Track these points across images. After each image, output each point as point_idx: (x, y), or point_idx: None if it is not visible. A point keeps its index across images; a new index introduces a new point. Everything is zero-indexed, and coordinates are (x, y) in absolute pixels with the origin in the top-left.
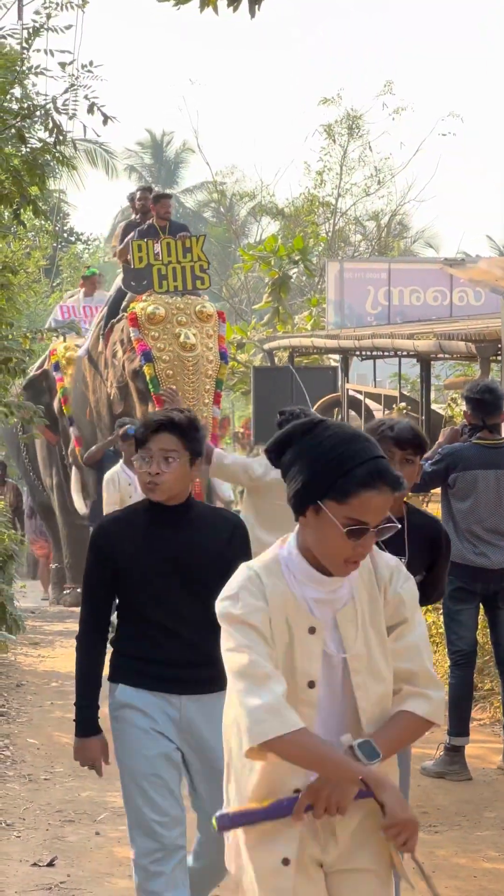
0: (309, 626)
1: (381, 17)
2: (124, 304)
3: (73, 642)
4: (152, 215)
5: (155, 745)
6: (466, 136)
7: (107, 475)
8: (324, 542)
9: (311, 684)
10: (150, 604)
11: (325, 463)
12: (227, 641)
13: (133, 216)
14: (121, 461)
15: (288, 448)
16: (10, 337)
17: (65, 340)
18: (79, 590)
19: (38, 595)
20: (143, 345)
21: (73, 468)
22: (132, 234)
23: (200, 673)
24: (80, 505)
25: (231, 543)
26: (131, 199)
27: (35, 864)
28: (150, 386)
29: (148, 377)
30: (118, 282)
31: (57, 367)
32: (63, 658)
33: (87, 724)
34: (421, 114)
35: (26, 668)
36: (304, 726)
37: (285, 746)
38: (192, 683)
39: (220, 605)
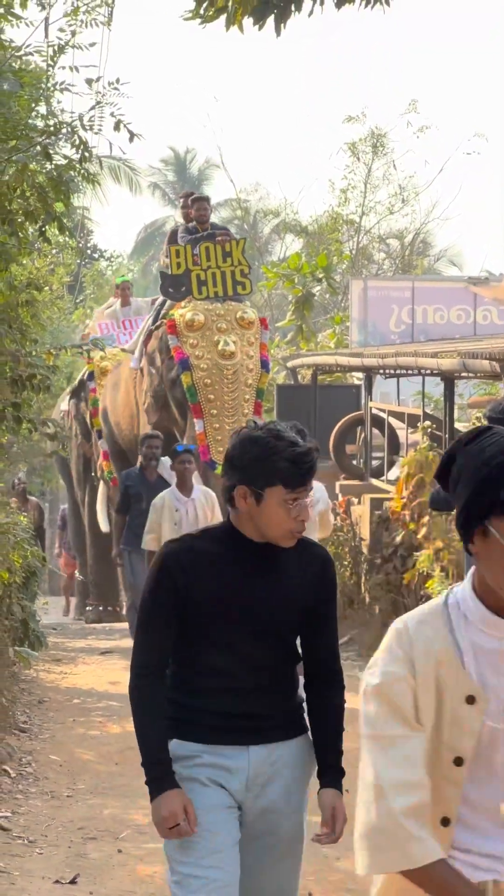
0: (467, 695)
1: (406, 36)
2: (164, 311)
3: (95, 659)
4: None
5: (215, 795)
6: (491, 155)
7: (156, 499)
8: (494, 572)
9: (459, 761)
10: (215, 649)
11: (487, 474)
12: (363, 721)
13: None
14: (173, 485)
15: (453, 465)
16: (34, 353)
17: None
18: (101, 607)
19: (59, 611)
20: (180, 352)
21: (101, 483)
22: (184, 237)
23: (267, 723)
24: (104, 522)
25: (318, 584)
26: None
27: (57, 882)
28: (188, 395)
29: (185, 386)
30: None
31: (91, 376)
32: (85, 675)
33: (162, 780)
34: (445, 132)
35: (48, 684)
36: (436, 859)
37: (410, 876)
38: (258, 733)
39: (365, 673)
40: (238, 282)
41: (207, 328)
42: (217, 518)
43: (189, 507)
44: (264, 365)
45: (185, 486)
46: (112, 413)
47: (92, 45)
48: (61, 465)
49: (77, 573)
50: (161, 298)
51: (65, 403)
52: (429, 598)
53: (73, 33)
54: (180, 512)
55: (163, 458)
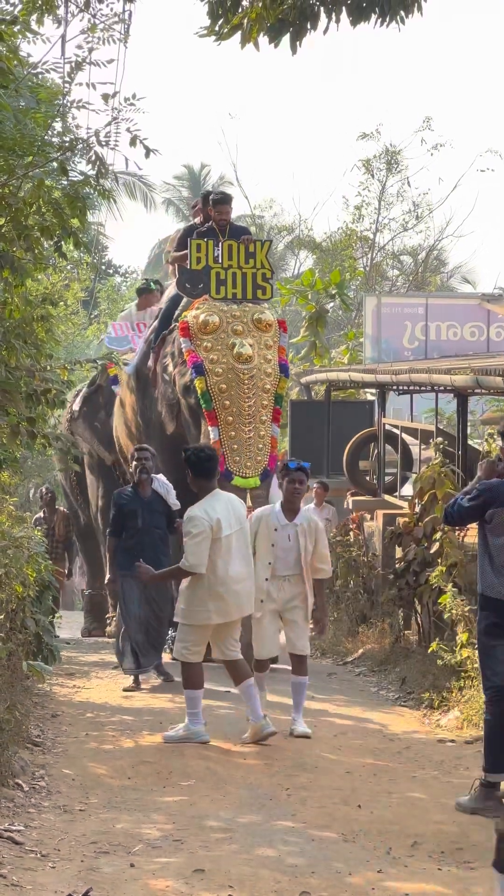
0: None
1: (420, 54)
2: (177, 313)
3: (108, 673)
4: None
5: None
6: None
7: (256, 512)
8: None
9: None
10: None
11: None
12: None
13: (195, 220)
14: (279, 501)
15: None
16: (49, 368)
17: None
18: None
19: (72, 625)
20: (194, 356)
21: None
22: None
23: None
24: None
25: None
26: (195, 205)
27: None
28: (202, 402)
29: (199, 392)
30: (170, 291)
31: (115, 380)
32: (98, 689)
33: None
34: (459, 150)
35: (62, 698)
36: None
37: None
38: None
39: None
40: (259, 285)
41: (223, 330)
42: (320, 551)
43: (290, 533)
44: (283, 369)
45: (291, 508)
46: (118, 427)
47: (109, 61)
48: (67, 483)
49: (85, 588)
50: (168, 302)
51: (77, 404)
52: (441, 614)
53: (90, 50)
54: (279, 534)
55: (157, 476)
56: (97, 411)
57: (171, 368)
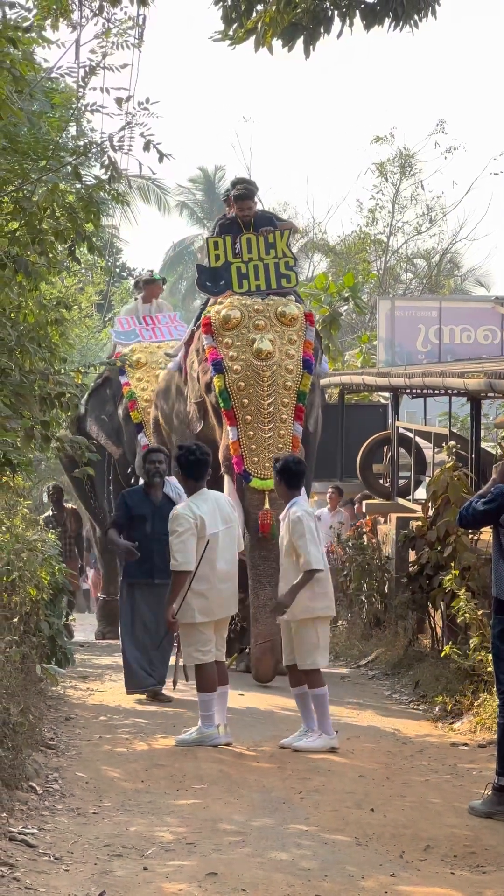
0: None
1: (433, 57)
2: (205, 308)
3: (122, 676)
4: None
5: None
6: None
7: (303, 515)
8: None
9: None
10: None
11: None
12: None
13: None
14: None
15: None
16: (63, 372)
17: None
18: None
19: (85, 628)
20: (214, 353)
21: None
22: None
23: None
24: None
25: None
26: (226, 199)
27: None
28: (221, 400)
29: (217, 390)
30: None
31: (123, 371)
32: (111, 692)
33: None
34: (473, 153)
35: (75, 701)
36: None
37: None
38: None
39: None
40: (283, 274)
41: (244, 326)
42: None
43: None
44: (307, 365)
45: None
46: (165, 422)
47: (123, 66)
48: (76, 484)
49: (100, 593)
50: (205, 298)
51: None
52: (454, 617)
53: (105, 55)
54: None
55: (169, 478)
56: (104, 404)
57: (196, 365)
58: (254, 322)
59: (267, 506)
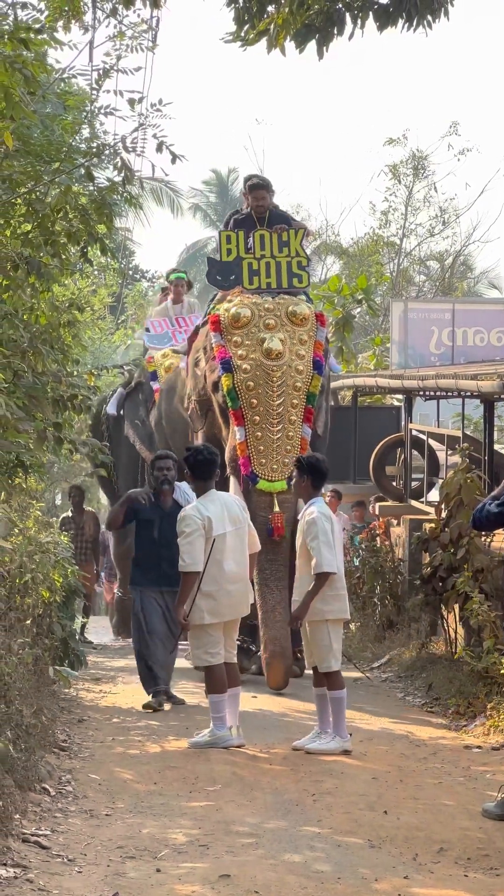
0: None
1: (446, 58)
2: (213, 305)
3: (135, 678)
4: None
5: None
6: None
7: (318, 516)
8: None
9: None
10: None
11: None
12: None
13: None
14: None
15: None
16: (75, 374)
17: (148, 370)
18: None
19: (97, 630)
20: (222, 351)
21: None
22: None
23: None
24: None
25: None
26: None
27: None
28: (229, 400)
29: (225, 389)
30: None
31: (155, 376)
32: (124, 694)
33: None
34: (486, 154)
35: (88, 703)
36: None
37: None
38: None
39: None
40: (295, 274)
41: (254, 324)
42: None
43: None
44: (317, 366)
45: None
46: (168, 422)
47: (137, 69)
48: (104, 483)
49: (117, 590)
50: (213, 294)
51: (112, 407)
52: (468, 620)
53: (119, 58)
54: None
55: (179, 484)
56: (137, 409)
57: (202, 364)
58: (264, 321)
59: (277, 508)
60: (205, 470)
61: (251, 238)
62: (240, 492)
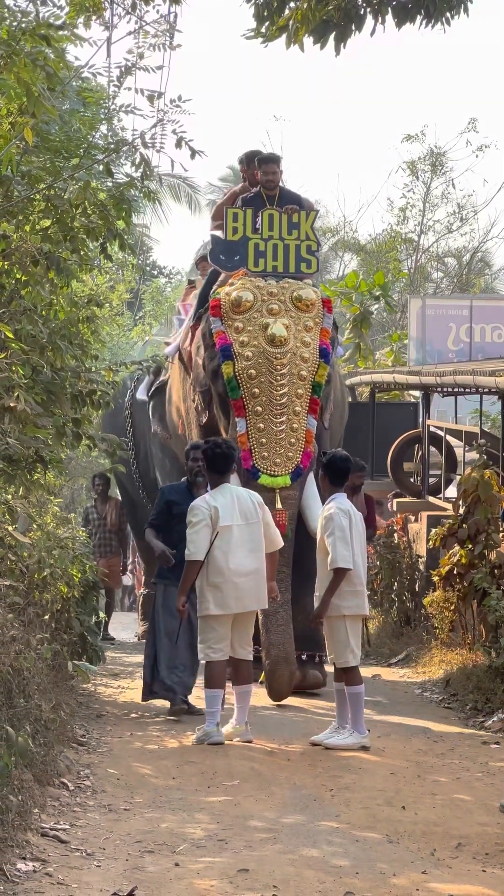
0: None
1: (465, 54)
2: (214, 288)
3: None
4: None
5: None
6: None
7: (335, 512)
8: None
9: None
10: None
11: None
12: None
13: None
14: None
15: None
16: (94, 369)
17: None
18: None
19: (116, 627)
20: (223, 338)
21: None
22: (237, 200)
23: None
24: None
25: None
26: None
27: (115, 895)
28: (229, 390)
29: (226, 378)
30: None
31: None
32: (142, 690)
33: None
34: None
35: (106, 698)
36: None
37: None
38: None
39: None
40: (303, 258)
41: (256, 309)
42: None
43: None
44: (324, 354)
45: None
46: (170, 413)
47: (159, 68)
48: (123, 474)
49: (142, 590)
50: (211, 273)
51: (142, 392)
52: (486, 615)
53: (141, 56)
54: None
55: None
56: (163, 404)
57: (202, 350)
58: (267, 306)
59: (279, 505)
60: (220, 463)
61: (259, 217)
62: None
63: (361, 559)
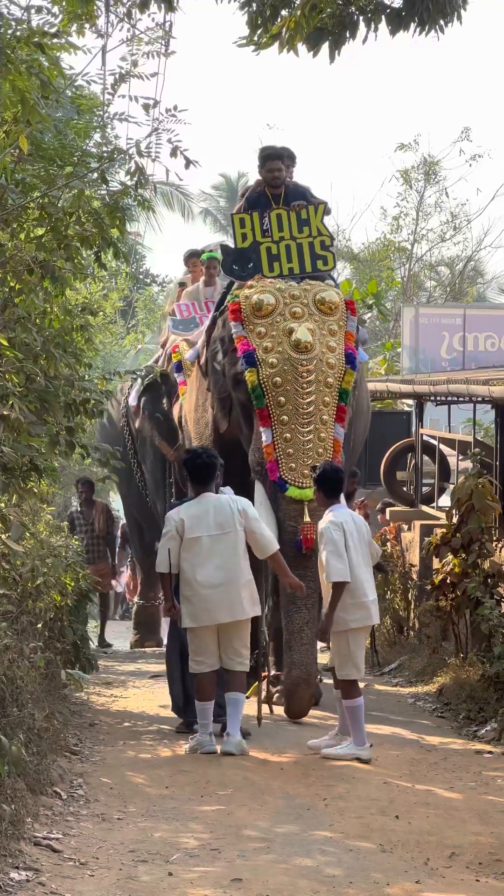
0: None
1: (459, 63)
2: (231, 292)
3: (145, 682)
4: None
5: None
6: None
7: (326, 526)
8: None
9: None
10: None
11: None
12: None
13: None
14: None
15: None
16: (87, 378)
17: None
18: None
19: (108, 635)
20: (245, 343)
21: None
22: (240, 203)
23: None
24: None
25: None
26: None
27: None
28: (253, 398)
29: (250, 386)
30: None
31: (179, 367)
32: (135, 699)
33: None
34: (498, 160)
35: (99, 707)
36: None
37: None
38: None
39: None
40: (318, 255)
41: (279, 313)
42: None
43: None
44: (350, 360)
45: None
46: (187, 418)
47: (153, 75)
48: (123, 478)
49: (136, 599)
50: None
51: (133, 398)
52: (479, 624)
53: (135, 63)
54: None
55: (224, 488)
56: (159, 402)
57: (220, 357)
58: (290, 309)
59: (307, 518)
60: (203, 473)
61: (266, 218)
62: (266, 499)
63: (365, 568)
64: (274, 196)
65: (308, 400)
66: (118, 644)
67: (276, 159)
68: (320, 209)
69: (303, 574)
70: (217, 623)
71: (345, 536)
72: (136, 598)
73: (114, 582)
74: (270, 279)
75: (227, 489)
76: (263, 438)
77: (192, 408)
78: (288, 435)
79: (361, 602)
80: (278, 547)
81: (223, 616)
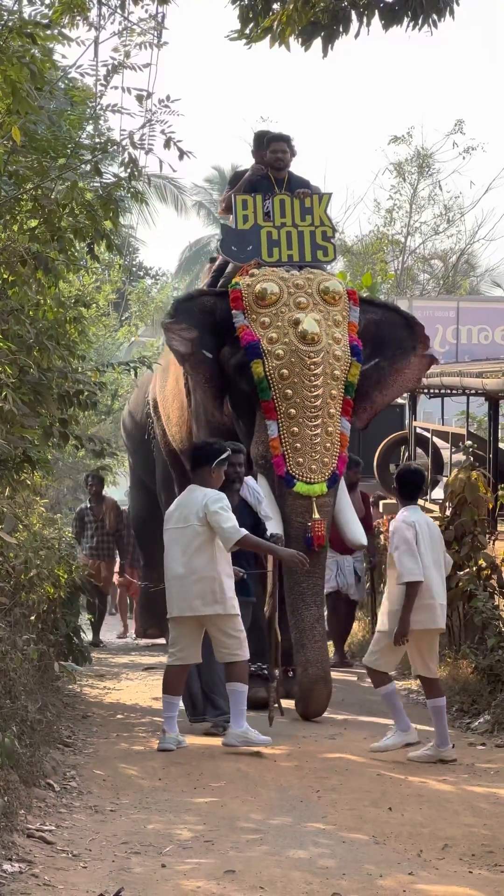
0: None
1: (452, 57)
2: (223, 280)
3: (138, 675)
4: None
5: None
6: None
7: (398, 525)
8: None
9: None
10: None
11: None
12: None
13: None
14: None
15: None
16: (81, 370)
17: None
18: None
19: (109, 628)
20: (248, 333)
21: None
22: (228, 191)
23: None
24: None
25: None
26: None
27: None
28: (259, 391)
29: (256, 378)
30: (221, 260)
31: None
32: (128, 691)
33: None
34: (491, 153)
35: (92, 700)
36: None
37: None
38: None
39: None
40: (319, 245)
41: (283, 303)
42: None
43: None
44: (355, 351)
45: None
46: (161, 405)
47: (146, 66)
48: (147, 470)
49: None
50: (217, 264)
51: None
52: (472, 617)
53: (127, 54)
54: None
55: (247, 479)
56: None
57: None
58: (295, 299)
59: (316, 514)
60: (193, 465)
61: (269, 202)
62: (270, 494)
63: (436, 570)
64: (277, 180)
65: (316, 393)
66: (109, 637)
67: (280, 141)
68: (325, 199)
69: (311, 571)
70: (189, 614)
71: (417, 537)
72: (138, 582)
73: (117, 580)
74: (271, 267)
75: (249, 479)
76: (269, 432)
77: (174, 392)
78: (295, 429)
79: (427, 603)
80: (242, 534)
81: (187, 610)
